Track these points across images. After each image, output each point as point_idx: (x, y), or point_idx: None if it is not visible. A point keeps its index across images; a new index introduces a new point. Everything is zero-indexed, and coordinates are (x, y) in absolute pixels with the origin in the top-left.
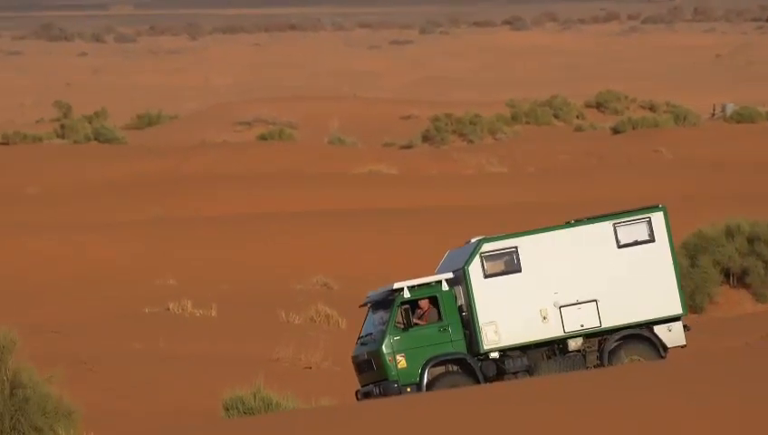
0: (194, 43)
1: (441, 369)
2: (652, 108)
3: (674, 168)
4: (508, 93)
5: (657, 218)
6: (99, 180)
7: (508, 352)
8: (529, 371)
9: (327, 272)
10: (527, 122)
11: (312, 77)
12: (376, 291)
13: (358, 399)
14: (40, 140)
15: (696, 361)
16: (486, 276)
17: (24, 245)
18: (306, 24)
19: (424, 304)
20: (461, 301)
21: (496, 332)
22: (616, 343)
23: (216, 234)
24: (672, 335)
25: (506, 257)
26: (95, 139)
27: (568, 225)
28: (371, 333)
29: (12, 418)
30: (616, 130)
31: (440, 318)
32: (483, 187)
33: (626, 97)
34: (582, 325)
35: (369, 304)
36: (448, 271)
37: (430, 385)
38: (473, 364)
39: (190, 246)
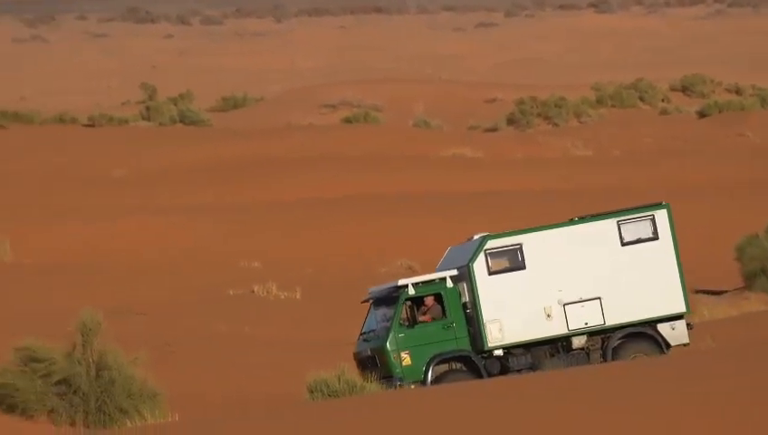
0: (279, 26)
1: (445, 366)
2: (738, 91)
3: (760, 152)
4: (593, 76)
5: (661, 216)
6: (184, 163)
7: (512, 350)
8: (532, 368)
9: (411, 255)
10: (612, 105)
11: (397, 60)
12: (378, 287)
13: None
14: (126, 122)
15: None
16: (491, 273)
17: (109, 227)
18: (391, 6)
19: (428, 301)
20: (465, 298)
21: (500, 329)
22: (619, 341)
23: (300, 217)
24: (675, 333)
25: (510, 255)
26: (180, 121)
27: (572, 222)
28: (374, 330)
29: (98, 399)
30: (701, 114)
31: (445, 315)
32: (567, 170)
33: (711, 80)
34: (586, 323)
35: (371, 301)
36: (450, 268)
37: (435, 383)
38: (477, 362)
39: (275, 228)
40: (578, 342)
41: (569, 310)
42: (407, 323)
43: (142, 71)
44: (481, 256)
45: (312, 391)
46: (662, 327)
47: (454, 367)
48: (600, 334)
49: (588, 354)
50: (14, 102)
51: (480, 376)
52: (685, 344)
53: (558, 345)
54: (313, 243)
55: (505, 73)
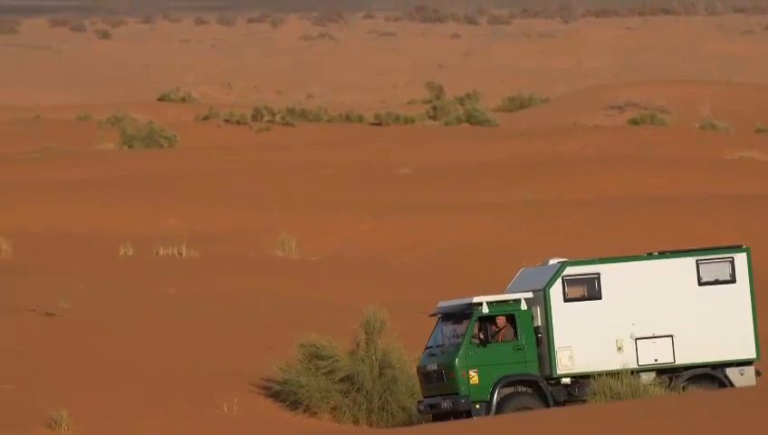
0: (566, 27)
1: (511, 389)
2: None
3: None
4: None
5: (741, 260)
6: (470, 162)
7: (579, 380)
8: None
9: None
10: None
11: (684, 61)
12: (448, 302)
13: (420, 410)
14: (412, 121)
15: None
16: (566, 300)
17: (396, 224)
18: (680, 7)
19: (501, 321)
20: (538, 322)
21: (571, 357)
22: (686, 381)
23: (585, 217)
24: (743, 379)
25: (588, 283)
26: (466, 120)
27: (651, 256)
28: (442, 345)
29: (380, 397)
30: None
31: (516, 337)
32: None
33: None
34: (656, 360)
35: (439, 315)
36: (522, 289)
37: (500, 405)
38: (544, 388)
39: (557, 229)
40: (646, 378)
41: (640, 345)
42: (477, 342)
43: (429, 70)
44: (558, 282)
45: (596, 394)
46: (730, 371)
47: (519, 390)
48: (668, 373)
49: None
50: (302, 100)
51: (546, 402)
52: None
53: None
54: (597, 244)
55: None
